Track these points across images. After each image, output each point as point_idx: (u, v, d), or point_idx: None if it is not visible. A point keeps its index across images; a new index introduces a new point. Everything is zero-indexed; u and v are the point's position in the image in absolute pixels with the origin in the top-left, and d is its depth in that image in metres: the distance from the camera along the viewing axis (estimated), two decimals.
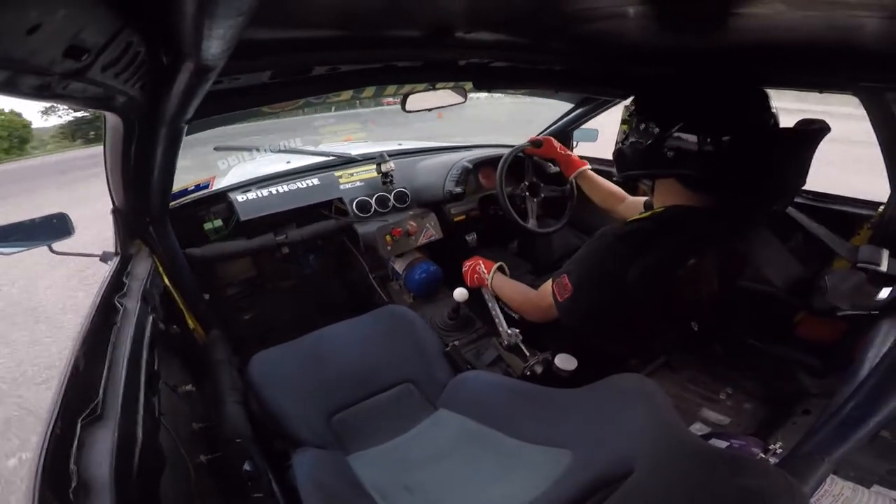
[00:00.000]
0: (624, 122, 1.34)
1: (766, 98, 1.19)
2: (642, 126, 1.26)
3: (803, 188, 1.49)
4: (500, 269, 1.68)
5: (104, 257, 1.47)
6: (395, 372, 1.46)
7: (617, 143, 1.38)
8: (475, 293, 1.77)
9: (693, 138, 1.17)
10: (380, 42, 1.21)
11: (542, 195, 2.15)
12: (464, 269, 1.78)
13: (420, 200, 2.25)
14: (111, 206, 1.45)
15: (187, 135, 1.20)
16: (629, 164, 1.34)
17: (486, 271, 1.68)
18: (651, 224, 1.26)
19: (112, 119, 1.02)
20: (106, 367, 0.90)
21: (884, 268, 1.18)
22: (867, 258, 1.18)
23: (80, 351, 0.93)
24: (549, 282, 1.38)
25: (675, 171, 1.24)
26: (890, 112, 1.45)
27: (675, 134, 1.19)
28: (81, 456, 0.71)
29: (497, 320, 1.63)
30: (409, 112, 1.89)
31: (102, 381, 0.86)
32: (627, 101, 1.39)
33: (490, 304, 1.68)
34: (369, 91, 1.80)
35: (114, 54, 0.64)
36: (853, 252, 1.23)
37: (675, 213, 1.26)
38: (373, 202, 2.14)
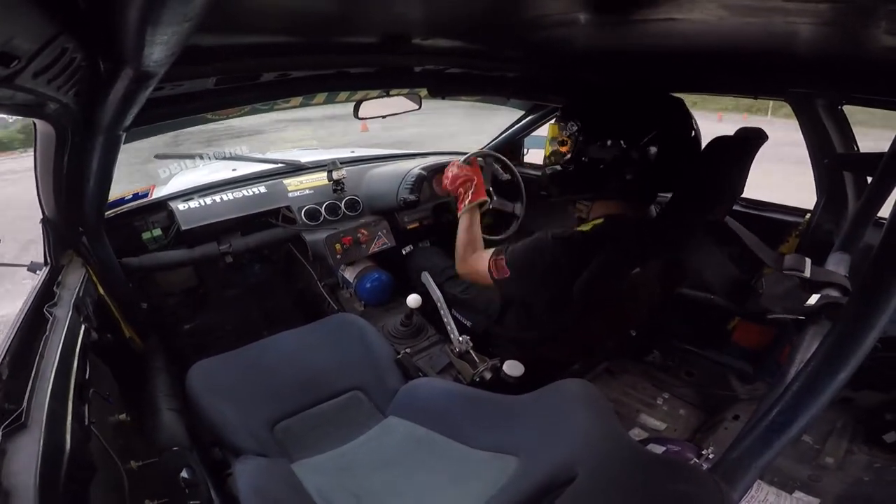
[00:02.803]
0: (562, 142, 1.37)
1: (686, 110, 1.30)
2: (589, 145, 1.31)
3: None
4: (480, 204, 1.64)
5: (32, 267, 1.40)
6: (343, 379, 1.44)
7: (552, 163, 1.42)
8: (428, 300, 1.78)
9: (632, 150, 1.25)
10: (333, 48, 1.21)
11: (493, 204, 2.18)
12: (452, 172, 1.67)
13: (372, 208, 2.23)
14: (41, 216, 1.37)
15: (126, 142, 1.15)
16: (571, 187, 1.42)
17: (470, 198, 1.61)
18: (592, 235, 1.31)
19: (43, 126, 0.97)
20: (32, 375, 0.87)
21: (807, 275, 1.25)
22: (791, 266, 1.26)
23: (3, 360, 0.90)
24: (489, 254, 1.43)
25: (620, 187, 1.31)
26: (818, 118, 1.54)
27: (617, 150, 1.26)
28: (3, 464, 0.70)
29: (449, 328, 1.64)
30: (362, 119, 1.88)
31: (28, 390, 0.83)
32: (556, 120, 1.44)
33: (442, 312, 1.68)
34: (320, 97, 1.78)
35: (47, 61, 0.61)
36: (779, 261, 1.31)
37: (613, 223, 1.32)
38: (322, 210, 2.11)
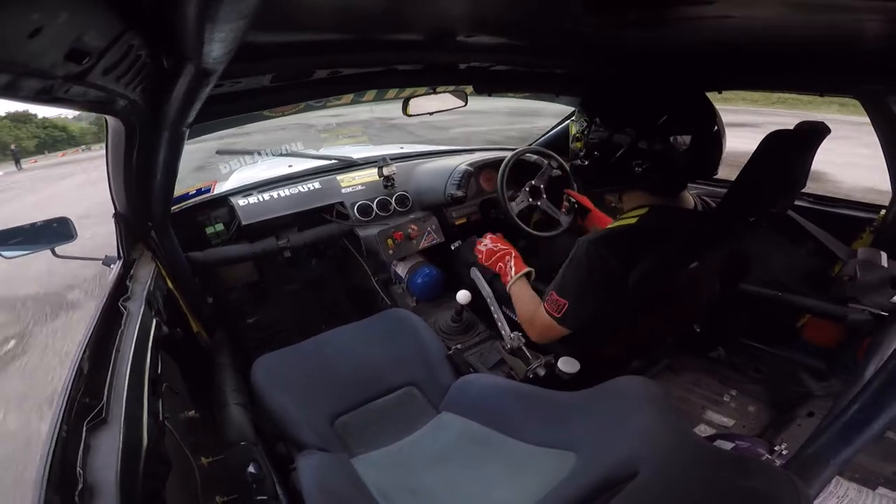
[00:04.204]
0: (577, 138, 1.37)
1: (705, 105, 1.25)
2: (616, 136, 1.27)
3: (807, 192, 1.47)
4: (527, 275, 1.59)
5: (106, 261, 1.48)
6: (398, 375, 1.45)
7: (572, 158, 1.41)
8: (479, 296, 1.77)
9: (639, 141, 1.23)
10: (381, 45, 1.21)
11: (544, 199, 2.14)
12: (486, 247, 1.69)
13: (421, 204, 2.25)
14: (113, 211, 1.45)
15: (189, 139, 1.20)
16: (590, 181, 1.40)
17: (514, 271, 1.59)
18: (638, 226, 1.27)
19: (114, 123, 1.02)
20: (110, 370, 0.90)
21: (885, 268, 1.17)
22: (867, 259, 1.18)
23: (84, 354, 0.94)
24: (542, 304, 1.39)
25: (634, 178, 1.27)
26: (892, 115, 1.45)
27: (622, 140, 1.24)
28: (87, 459, 0.71)
29: (500, 324, 1.62)
30: (411, 116, 1.89)
31: (107, 384, 0.86)
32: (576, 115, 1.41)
33: (493, 308, 1.67)
34: (370, 94, 1.81)
35: (115, 57, 0.63)
36: (851, 255, 1.23)
37: (660, 213, 1.28)
38: (374, 206, 2.14)
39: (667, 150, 1.21)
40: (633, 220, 1.29)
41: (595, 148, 1.31)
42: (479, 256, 1.70)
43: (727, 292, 1.48)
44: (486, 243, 1.70)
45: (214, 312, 1.92)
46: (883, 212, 1.65)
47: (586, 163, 1.34)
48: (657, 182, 1.28)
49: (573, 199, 2.04)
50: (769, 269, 1.35)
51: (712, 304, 1.49)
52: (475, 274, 1.84)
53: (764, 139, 1.21)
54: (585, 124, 1.33)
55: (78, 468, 0.68)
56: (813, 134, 1.17)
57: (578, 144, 1.36)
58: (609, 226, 1.34)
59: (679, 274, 1.28)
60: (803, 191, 1.49)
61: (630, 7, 0.91)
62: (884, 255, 1.20)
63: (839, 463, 0.66)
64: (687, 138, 1.21)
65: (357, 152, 2.49)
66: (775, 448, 1.39)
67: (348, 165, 2.34)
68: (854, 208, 1.76)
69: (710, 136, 1.23)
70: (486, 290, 1.75)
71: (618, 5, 0.90)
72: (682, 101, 1.25)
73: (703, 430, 1.71)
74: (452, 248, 2.22)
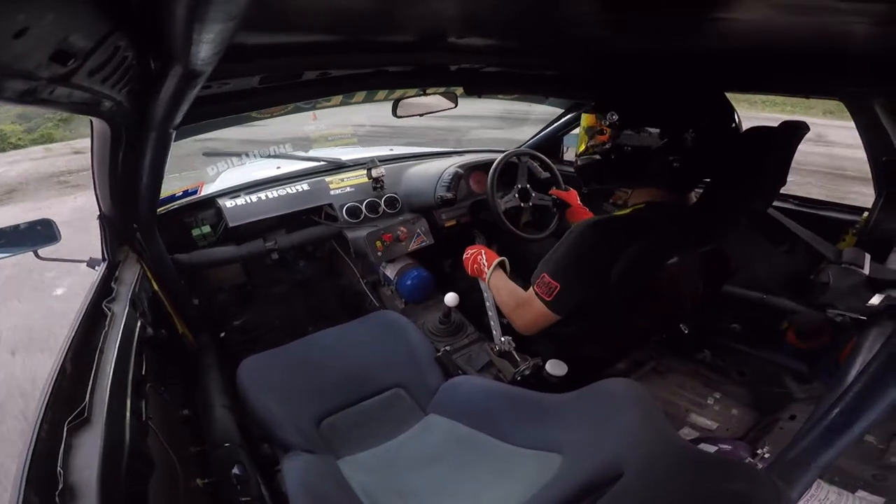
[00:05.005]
0: (600, 131, 1.35)
1: (727, 100, 1.27)
2: (631, 133, 1.27)
3: (790, 194, 1.48)
4: (500, 264, 1.61)
5: (91, 263, 1.46)
6: (385, 377, 1.45)
7: (589, 153, 1.38)
8: (467, 298, 1.77)
9: (678, 137, 1.22)
10: (371, 47, 1.21)
11: (532, 202, 2.15)
12: (465, 256, 1.71)
13: (411, 206, 2.25)
14: (98, 213, 1.43)
15: (176, 140, 1.19)
16: (612, 176, 1.38)
17: (486, 264, 1.62)
18: (630, 218, 1.29)
19: (99, 124, 1.01)
20: (93, 370, 0.90)
21: (866, 271, 1.19)
22: (851, 260, 1.20)
23: (67, 355, 0.93)
24: (530, 290, 1.38)
25: (660, 177, 1.27)
26: (876, 118, 1.47)
27: (658, 137, 1.23)
28: (68, 459, 0.71)
29: (493, 323, 1.62)
30: (401, 117, 1.89)
31: (89, 385, 0.86)
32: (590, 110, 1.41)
33: (490, 314, 1.66)
34: (360, 96, 1.80)
35: (101, 59, 0.63)
36: (837, 255, 1.25)
37: (653, 208, 1.30)
38: (363, 208, 2.13)
39: (695, 147, 1.21)
40: (627, 212, 1.31)
41: (627, 143, 1.29)
42: (466, 269, 1.71)
43: (710, 294, 1.49)
44: (465, 255, 1.71)
45: (200, 314, 1.91)
46: (865, 214, 1.67)
47: (613, 156, 1.32)
48: (679, 178, 1.29)
49: (556, 197, 2.09)
50: (755, 271, 1.36)
51: (696, 305, 1.50)
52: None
53: (743, 135, 1.23)
54: (613, 118, 1.30)
55: (58, 468, 0.68)
56: (793, 132, 1.19)
57: (602, 138, 1.33)
58: (613, 214, 1.35)
59: (659, 270, 1.30)
60: (787, 193, 1.51)
61: (622, 10, 0.91)
62: (867, 258, 1.21)
63: (820, 466, 0.67)
64: (713, 136, 1.22)
65: (346, 154, 2.48)
66: (757, 451, 1.40)
67: (337, 167, 2.33)
68: (837, 210, 1.78)
69: (732, 135, 1.26)
70: (487, 293, 1.74)
71: (610, 8, 0.91)
72: (717, 102, 1.27)
73: (687, 433, 1.72)
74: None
